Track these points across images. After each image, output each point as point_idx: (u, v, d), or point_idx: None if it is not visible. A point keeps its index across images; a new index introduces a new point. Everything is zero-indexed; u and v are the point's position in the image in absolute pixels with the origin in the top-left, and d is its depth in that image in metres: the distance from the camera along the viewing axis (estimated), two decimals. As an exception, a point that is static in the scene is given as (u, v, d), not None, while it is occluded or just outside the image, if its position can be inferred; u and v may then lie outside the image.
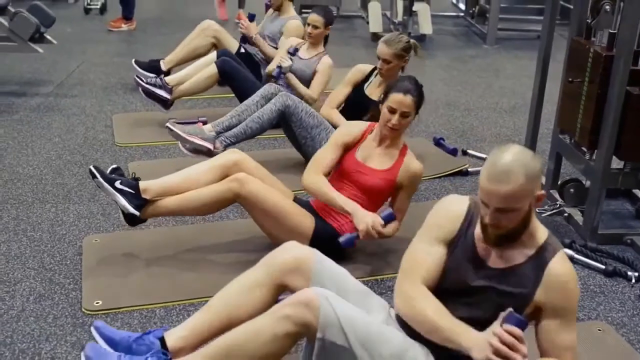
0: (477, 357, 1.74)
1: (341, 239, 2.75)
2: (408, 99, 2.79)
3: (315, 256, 2.12)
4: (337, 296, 1.92)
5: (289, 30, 4.69)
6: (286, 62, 4.21)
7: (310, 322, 1.86)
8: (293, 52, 4.30)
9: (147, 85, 4.37)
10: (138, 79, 4.42)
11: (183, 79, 4.51)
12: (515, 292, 1.90)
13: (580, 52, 3.25)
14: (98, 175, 2.78)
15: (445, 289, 1.96)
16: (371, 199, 2.88)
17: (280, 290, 2.12)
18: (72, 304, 2.64)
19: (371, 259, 3.02)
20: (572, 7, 3.50)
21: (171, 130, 3.63)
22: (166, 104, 4.45)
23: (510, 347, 1.72)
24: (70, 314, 2.58)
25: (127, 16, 7.05)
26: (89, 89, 5.23)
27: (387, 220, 2.75)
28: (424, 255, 1.98)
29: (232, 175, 2.83)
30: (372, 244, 3.06)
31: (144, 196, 2.81)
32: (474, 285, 1.94)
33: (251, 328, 1.93)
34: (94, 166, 2.81)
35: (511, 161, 1.77)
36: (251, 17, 4.77)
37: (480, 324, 1.83)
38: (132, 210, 2.79)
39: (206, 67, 4.47)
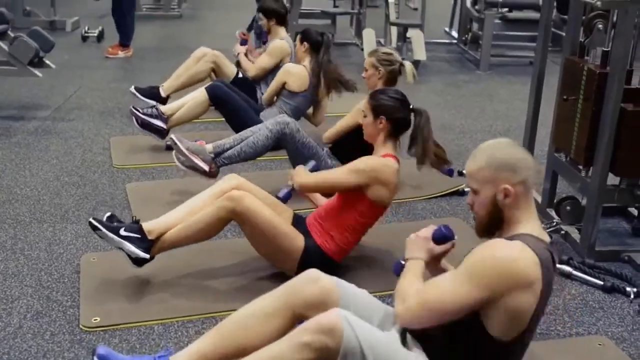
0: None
1: (279, 194, 2.97)
2: (365, 100, 2.96)
3: (339, 286, 2.08)
4: (358, 319, 1.89)
5: (269, 50, 4.82)
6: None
7: (331, 349, 1.82)
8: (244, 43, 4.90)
9: (143, 116, 4.34)
10: (134, 110, 4.38)
11: (177, 109, 4.51)
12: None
13: (574, 71, 3.29)
14: (101, 227, 2.73)
15: None
16: (340, 196, 2.95)
17: (297, 320, 2.07)
18: (70, 321, 2.62)
19: (368, 277, 3.01)
20: (562, 34, 3.55)
21: (175, 143, 3.60)
22: (162, 133, 4.44)
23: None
24: (67, 330, 2.57)
25: (124, 43, 7.11)
26: (86, 113, 5.25)
27: (313, 169, 3.02)
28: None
29: (225, 194, 2.81)
30: (366, 264, 3.07)
31: (150, 238, 2.78)
32: None
33: (268, 355, 1.88)
34: (93, 218, 2.75)
35: (484, 145, 1.95)
36: (243, 42, 4.84)
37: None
38: (142, 254, 2.74)
39: (198, 94, 4.50)
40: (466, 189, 3.98)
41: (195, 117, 4.56)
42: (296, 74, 4.33)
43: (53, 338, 2.52)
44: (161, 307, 2.73)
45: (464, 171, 4.13)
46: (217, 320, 2.63)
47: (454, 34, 8.44)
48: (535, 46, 3.79)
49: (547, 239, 1.96)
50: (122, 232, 2.73)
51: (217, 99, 4.39)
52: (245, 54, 5.02)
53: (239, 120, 4.28)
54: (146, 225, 2.78)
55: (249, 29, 5.66)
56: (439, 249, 2.11)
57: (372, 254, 3.21)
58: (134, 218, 2.85)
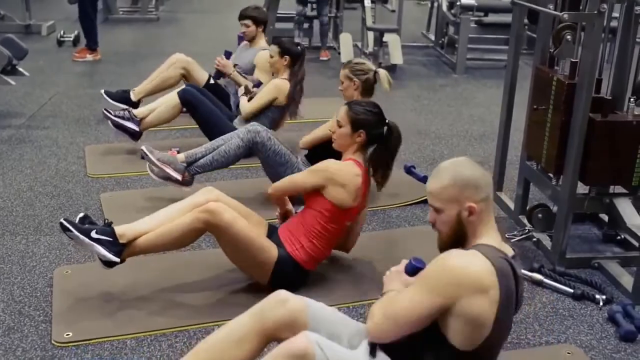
0: None
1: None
2: (343, 109, 2.97)
3: (309, 307, 2.10)
4: (328, 341, 1.92)
5: (260, 62, 4.74)
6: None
7: None
8: (228, 57, 4.64)
9: (115, 118, 4.39)
10: (106, 112, 4.43)
11: (150, 111, 4.53)
12: None
13: (544, 81, 3.33)
14: (72, 228, 2.71)
15: None
16: (305, 200, 2.99)
17: (270, 341, 2.09)
18: (42, 336, 2.61)
19: (340, 287, 3.03)
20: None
21: (146, 154, 3.62)
22: (135, 136, 4.46)
23: None
24: (40, 346, 2.56)
25: (92, 47, 7.09)
26: (61, 121, 5.22)
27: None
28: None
29: (202, 206, 2.82)
30: (341, 273, 3.09)
31: (121, 242, 2.77)
32: None
33: None
34: (64, 219, 2.73)
35: (446, 164, 1.99)
36: (227, 55, 4.76)
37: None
38: (113, 258, 2.73)
39: (170, 98, 4.51)
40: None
41: (167, 121, 4.59)
42: (284, 90, 4.31)
43: (25, 354, 2.51)
44: (134, 321, 2.72)
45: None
46: (190, 334, 2.64)
47: (432, 37, 8.49)
48: (507, 56, 3.82)
49: (508, 251, 2.00)
50: (94, 234, 2.73)
51: (189, 104, 4.41)
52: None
53: (210, 126, 4.29)
54: (118, 229, 2.78)
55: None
56: (412, 280, 2.10)
57: (348, 263, 3.23)
58: (106, 221, 2.84)
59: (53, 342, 2.58)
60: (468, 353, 1.90)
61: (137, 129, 4.44)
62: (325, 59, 7.45)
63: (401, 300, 1.91)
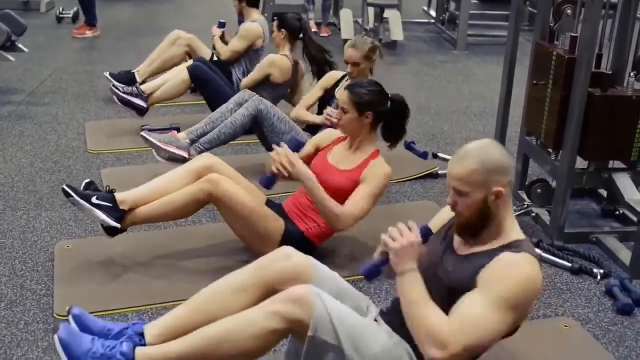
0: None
1: (260, 180, 2.77)
2: (344, 95, 2.89)
3: (314, 267, 2.10)
4: (330, 296, 1.92)
5: (241, 32, 4.79)
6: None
7: (302, 320, 1.85)
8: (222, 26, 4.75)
9: (123, 95, 4.39)
10: (114, 89, 4.43)
11: (157, 87, 4.54)
12: (464, 273, 1.90)
13: (544, 56, 3.32)
14: (73, 194, 2.75)
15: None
16: (337, 199, 2.87)
17: (269, 296, 2.05)
18: (44, 310, 2.64)
19: (344, 261, 3.05)
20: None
21: (147, 139, 3.63)
22: (142, 112, 4.47)
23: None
24: (42, 319, 2.58)
25: (91, 23, 7.06)
26: (61, 97, 5.21)
27: (295, 146, 2.80)
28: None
29: (204, 177, 2.85)
30: (346, 247, 3.11)
31: (122, 208, 2.80)
32: (436, 265, 2.00)
33: (239, 321, 1.91)
34: (67, 185, 2.78)
35: (473, 148, 1.89)
36: (221, 25, 4.80)
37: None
38: (113, 223, 2.76)
39: (179, 73, 4.52)
40: (440, 172, 4.02)
41: (176, 97, 4.59)
42: (280, 65, 4.31)
43: (27, 327, 2.53)
44: (135, 294, 2.75)
45: (439, 154, 4.26)
46: (191, 307, 2.66)
47: (433, 13, 8.43)
48: (508, 30, 3.81)
49: None
50: (94, 200, 2.76)
51: (198, 79, 4.42)
52: (222, 37, 4.99)
53: (218, 102, 4.28)
54: (119, 196, 2.81)
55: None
56: (425, 249, 2.02)
57: (347, 238, 3.23)
58: (108, 188, 2.88)
59: (55, 315, 2.60)
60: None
61: (144, 105, 4.45)
62: (325, 35, 7.42)
63: (484, 324, 1.77)
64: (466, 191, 1.87)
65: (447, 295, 1.89)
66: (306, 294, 1.87)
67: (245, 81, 4.41)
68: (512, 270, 1.81)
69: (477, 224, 1.91)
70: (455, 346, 1.75)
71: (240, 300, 2.04)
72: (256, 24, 4.81)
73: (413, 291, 1.87)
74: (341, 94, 2.93)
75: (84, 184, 2.89)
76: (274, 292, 2.02)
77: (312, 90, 3.99)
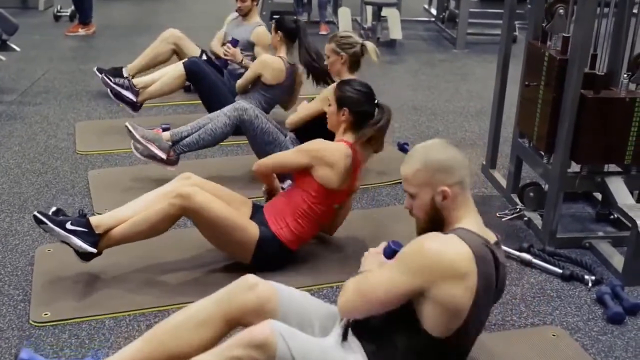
0: None
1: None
2: (332, 88, 2.97)
3: (279, 292, 2.03)
4: (295, 331, 1.86)
5: (260, 38, 4.68)
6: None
7: None
8: (234, 44, 4.49)
9: (114, 85, 4.34)
10: (106, 78, 4.36)
11: (149, 83, 4.49)
12: None
13: (536, 56, 3.25)
14: (46, 221, 2.66)
15: None
16: (294, 180, 2.98)
17: (232, 328, 2.02)
18: (20, 316, 2.59)
19: (325, 266, 2.99)
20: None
21: (129, 131, 3.58)
22: (135, 106, 4.41)
23: None
24: (17, 326, 2.53)
25: (84, 21, 7.02)
26: (53, 97, 5.17)
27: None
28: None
29: (175, 191, 2.74)
30: (327, 252, 3.06)
31: (97, 232, 2.72)
32: None
33: None
34: (38, 212, 2.68)
35: (418, 148, 1.95)
36: (234, 43, 4.58)
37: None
38: (89, 249, 2.68)
39: (174, 68, 4.47)
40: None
41: (169, 92, 4.54)
42: (272, 67, 4.21)
43: (1, 334, 2.48)
44: (113, 300, 2.69)
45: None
46: (169, 314, 2.58)
47: (434, 11, 8.35)
48: (500, 31, 3.73)
49: (490, 237, 1.94)
50: (69, 225, 2.68)
51: (194, 75, 4.37)
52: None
53: (213, 99, 4.24)
54: (94, 220, 2.73)
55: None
56: (390, 262, 2.03)
57: (335, 241, 3.18)
58: (81, 212, 2.80)
59: (31, 322, 2.55)
60: (441, 340, 1.86)
61: (134, 99, 4.39)
62: (324, 33, 7.34)
63: (375, 278, 1.90)
64: (413, 192, 1.92)
65: None
66: (268, 336, 1.77)
67: (240, 82, 4.32)
68: (419, 240, 1.86)
69: (431, 225, 1.92)
70: (349, 292, 1.91)
71: (202, 335, 1.97)
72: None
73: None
74: (332, 87, 2.98)
75: (51, 211, 2.76)
76: (237, 324, 1.99)
77: (314, 102, 3.72)
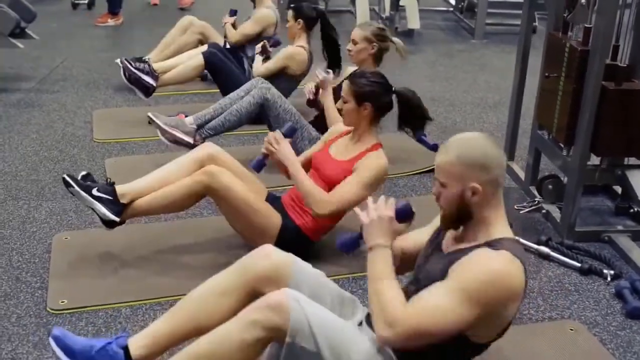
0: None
1: (250, 164, 2.87)
2: (346, 84, 2.82)
3: (294, 263, 2.05)
4: (309, 299, 1.87)
5: (254, 19, 4.77)
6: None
7: (280, 327, 1.79)
8: (275, 44, 4.32)
9: (134, 70, 4.30)
10: (127, 62, 4.33)
11: (169, 68, 4.50)
12: (440, 267, 1.83)
13: (556, 47, 3.20)
14: (73, 184, 2.71)
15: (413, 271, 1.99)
16: (330, 189, 2.80)
17: (253, 297, 2.02)
18: (37, 303, 2.60)
19: (343, 257, 2.97)
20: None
21: (153, 120, 3.59)
22: (149, 91, 4.39)
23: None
24: (34, 313, 2.55)
25: (114, 11, 7.01)
26: (71, 85, 5.18)
27: (288, 132, 2.84)
28: (416, 231, 2.11)
29: (202, 168, 2.79)
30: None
31: (121, 201, 2.75)
32: (421, 266, 1.96)
33: (219, 335, 1.86)
34: (67, 175, 2.74)
35: (457, 139, 1.85)
36: (232, 13, 4.79)
37: None
38: (112, 217, 2.72)
39: (193, 57, 4.47)
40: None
41: (186, 81, 4.56)
42: (298, 59, 4.23)
43: (19, 321, 2.50)
44: (130, 289, 2.70)
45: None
46: (185, 303, 2.61)
47: (452, 0, 8.28)
48: (520, 22, 3.68)
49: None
50: (95, 192, 2.72)
51: (214, 66, 4.39)
52: (233, 25, 4.92)
53: (232, 88, 4.22)
54: (119, 189, 2.77)
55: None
56: (401, 227, 1.96)
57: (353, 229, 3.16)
58: (109, 180, 2.83)
59: (48, 309, 2.57)
60: (477, 344, 1.86)
61: (154, 83, 4.37)
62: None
63: (437, 311, 1.70)
64: (443, 181, 1.82)
65: (424, 288, 1.81)
66: (283, 299, 1.81)
67: (260, 70, 4.29)
68: (481, 263, 1.73)
69: (456, 218, 1.86)
70: (403, 327, 1.70)
71: (224, 304, 2.00)
72: (270, 10, 4.76)
73: (377, 267, 1.83)
74: (344, 83, 2.86)
75: (80, 175, 2.83)
76: (255, 292, 2.00)
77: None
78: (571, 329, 2.58)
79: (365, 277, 2.73)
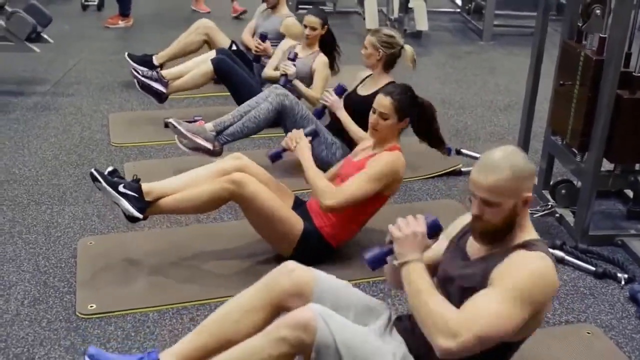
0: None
1: (269, 152, 3.11)
2: (386, 101, 2.85)
3: (315, 278, 2.11)
4: (334, 314, 1.93)
5: (290, 30, 4.71)
6: (291, 69, 4.12)
7: (306, 344, 1.86)
8: (294, 58, 4.19)
9: (143, 78, 4.39)
10: (135, 72, 4.43)
11: (179, 75, 4.54)
12: (475, 272, 1.88)
13: (571, 56, 3.26)
14: (100, 179, 2.77)
15: (437, 281, 2.01)
16: None
17: (279, 312, 2.12)
18: (67, 308, 2.67)
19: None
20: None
21: (175, 127, 3.63)
22: (161, 97, 4.46)
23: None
24: (64, 318, 2.61)
25: (124, 13, 7.05)
26: (85, 88, 5.24)
27: (310, 135, 3.06)
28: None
29: (230, 175, 2.84)
30: (361, 245, 3.08)
31: (146, 199, 2.82)
32: (450, 275, 1.98)
33: (246, 349, 1.93)
34: (95, 170, 2.79)
35: (501, 156, 1.85)
36: (263, 38, 4.60)
37: None
38: (136, 214, 2.78)
39: (202, 64, 4.51)
40: (463, 169, 3.99)
41: (196, 87, 4.58)
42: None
43: (50, 325, 2.56)
44: (157, 293, 2.76)
45: (462, 150, 4.21)
46: (211, 307, 2.67)
47: (458, 2, 8.32)
48: (535, 24, 3.73)
49: None
50: (121, 188, 2.78)
51: (222, 73, 4.41)
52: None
53: (242, 94, 4.28)
54: (145, 187, 2.83)
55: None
56: (430, 242, 1.96)
57: (368, 237, 3.21)
58: (135, 177, 2.88)
59: (77, 313, 2.63)
60: (513, 343, 1.93)
61: (164, 90, 4.43)
62: None
63: (497, 316, 1.74)
64: (496, 201, 1.83)
65: (459, 297, 1.87)
66: (310, 317, 1.87)
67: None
68: (524, 263, 1.81)
69: (503, 230, 1.89)
70: (466, 335, 1.72)
71: (250, 321, 2.08)
72: (295, 20, 4.75)
73: (418, 281, 1.84)
74: (382, 99, 2.87)
75: (106, 171, 2.86)
76: (280, 308, 2.09)
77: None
78: (588, 333, 2.64)
79: (383, 281, 2.83)
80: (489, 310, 1.75)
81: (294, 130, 3.04)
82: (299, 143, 2.97)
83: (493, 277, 1.82)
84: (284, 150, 3.05)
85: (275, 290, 2.10)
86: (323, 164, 3.31)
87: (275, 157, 3.10)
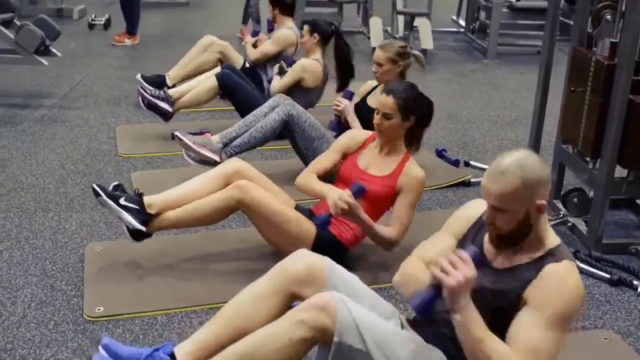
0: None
1: (316, 220, 2.80)
2: (389, 100, 2.81)
3: (327, 265, 2.08)
4: (351, 300, 1.89)
5: (275, 38, 4.83)
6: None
7: (327, 326, 1.82)
8: (350, 97, 3.75)
9: (150, 98, 4.38)
10: (142, 91, 4.43)
11: (185, 92, 4.54)
12: (507, 289, 1.82)
13: (582, 62, 3.25)
14: (102, 193, 2.76)
15: None
16: (373, 206, 2.85)
17: (292, 300, 2.07)
18: (74, 310, 2.63)
19: (373, 267, 3.00)
20: (571, 22, 3.51)
21: (181, 139, 3.62)
22: (166, 116, 4.46)
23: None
24: (71, 320, 2.57)
25: (131, 31, 7.09)
26: (92, 101, 5.24)
27: (357, 192, 2.67)
28: (433, 240, 2.07)
29: (233, 183, 2.83)
30: (375, 254, 3.05)
31: (149, 211, 2.79)
32: (476, 286, 1.88)
33: (266, 334, 1.89)
34: (96, 184, 2.79)
35: (511, 163, 1.76)
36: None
37: None
38: (138, 226, 2.76)
39: (207, 81, 4.51)
40: (472, 180, 3.96)
41: (202, 103, 4.58)
42: (312, 71, 4.32)
43: (57, 327, 2.52)
44: (165, 297, 2.72)
45: (470, 162, 4.19)
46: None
47: (462, 22, 8.38)
48: (543, 36, 3.74)
49: None
50: (122, 201, 2.76)
51: (227, 88, 4.41)
52: (255, 44, 4.98)
53: (247, 108, 4.27)
54: (147, 199, 2.81)
55: (245, 20, 5.34)
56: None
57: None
58: (137, 191, 2.87)
59: (85, 316, 2.59)
60: None
61: (170, 109, 4.43)
62: None
63: (547, 345, 1.74)
64: (507, 209, 1.77)
65: (489, 312, 1.80)
66: (330, 300, 1.84)
67: (277, 86, 4.36)
68: (560, 285, 1.76)
69: (517, 235, 1.84)
70: None
71: (263, 308, 2.03)
72: (291, 31, 4.82)
73: (476, 329, 1.75)
74: (384, 99, 2.83)
75: (112, 186, 2.88)
76: (292, 295, 2.04)
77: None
78: (605, 339, 2.59)
79: (392, 288, 2.78)
80: (542, 344, 1.73)
81: (342, 194, 2.64)
82: (350, 206, 2.62)
83: (529, 297, 1.78)
84: (331, 216, 2.69)
85: (289, 277, 2.05)
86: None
87: (324, 224, 2.74)
